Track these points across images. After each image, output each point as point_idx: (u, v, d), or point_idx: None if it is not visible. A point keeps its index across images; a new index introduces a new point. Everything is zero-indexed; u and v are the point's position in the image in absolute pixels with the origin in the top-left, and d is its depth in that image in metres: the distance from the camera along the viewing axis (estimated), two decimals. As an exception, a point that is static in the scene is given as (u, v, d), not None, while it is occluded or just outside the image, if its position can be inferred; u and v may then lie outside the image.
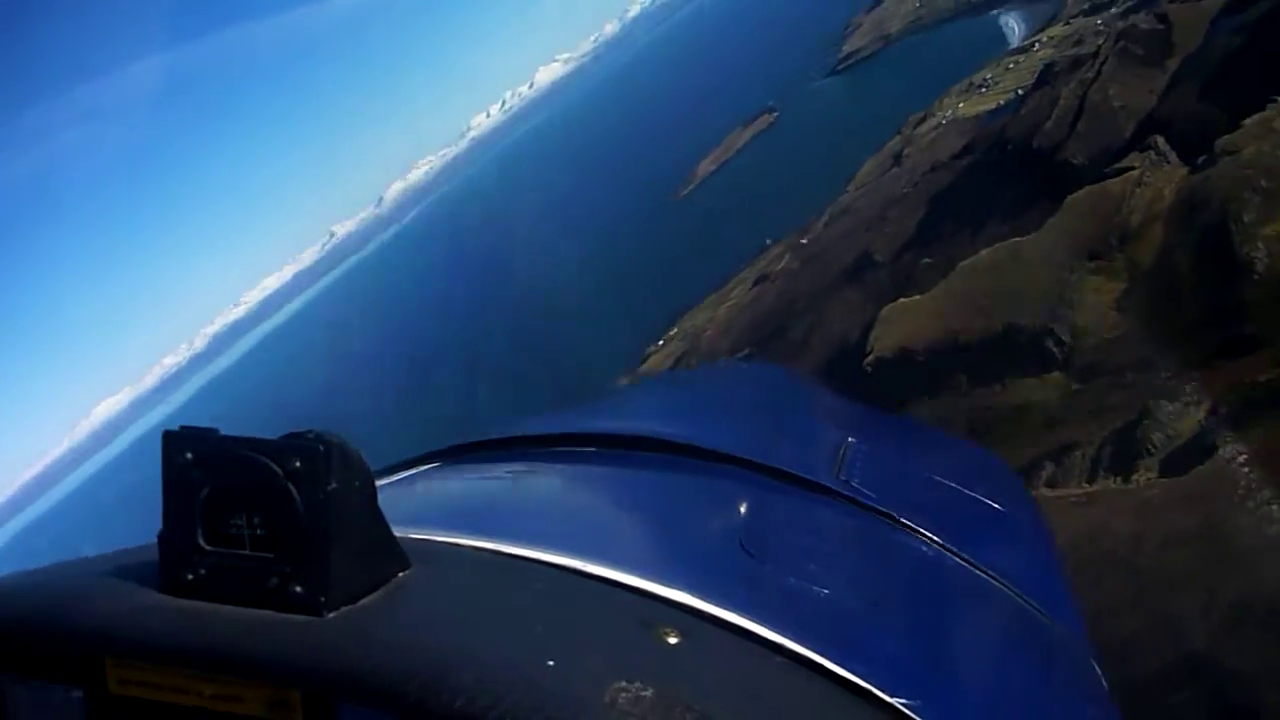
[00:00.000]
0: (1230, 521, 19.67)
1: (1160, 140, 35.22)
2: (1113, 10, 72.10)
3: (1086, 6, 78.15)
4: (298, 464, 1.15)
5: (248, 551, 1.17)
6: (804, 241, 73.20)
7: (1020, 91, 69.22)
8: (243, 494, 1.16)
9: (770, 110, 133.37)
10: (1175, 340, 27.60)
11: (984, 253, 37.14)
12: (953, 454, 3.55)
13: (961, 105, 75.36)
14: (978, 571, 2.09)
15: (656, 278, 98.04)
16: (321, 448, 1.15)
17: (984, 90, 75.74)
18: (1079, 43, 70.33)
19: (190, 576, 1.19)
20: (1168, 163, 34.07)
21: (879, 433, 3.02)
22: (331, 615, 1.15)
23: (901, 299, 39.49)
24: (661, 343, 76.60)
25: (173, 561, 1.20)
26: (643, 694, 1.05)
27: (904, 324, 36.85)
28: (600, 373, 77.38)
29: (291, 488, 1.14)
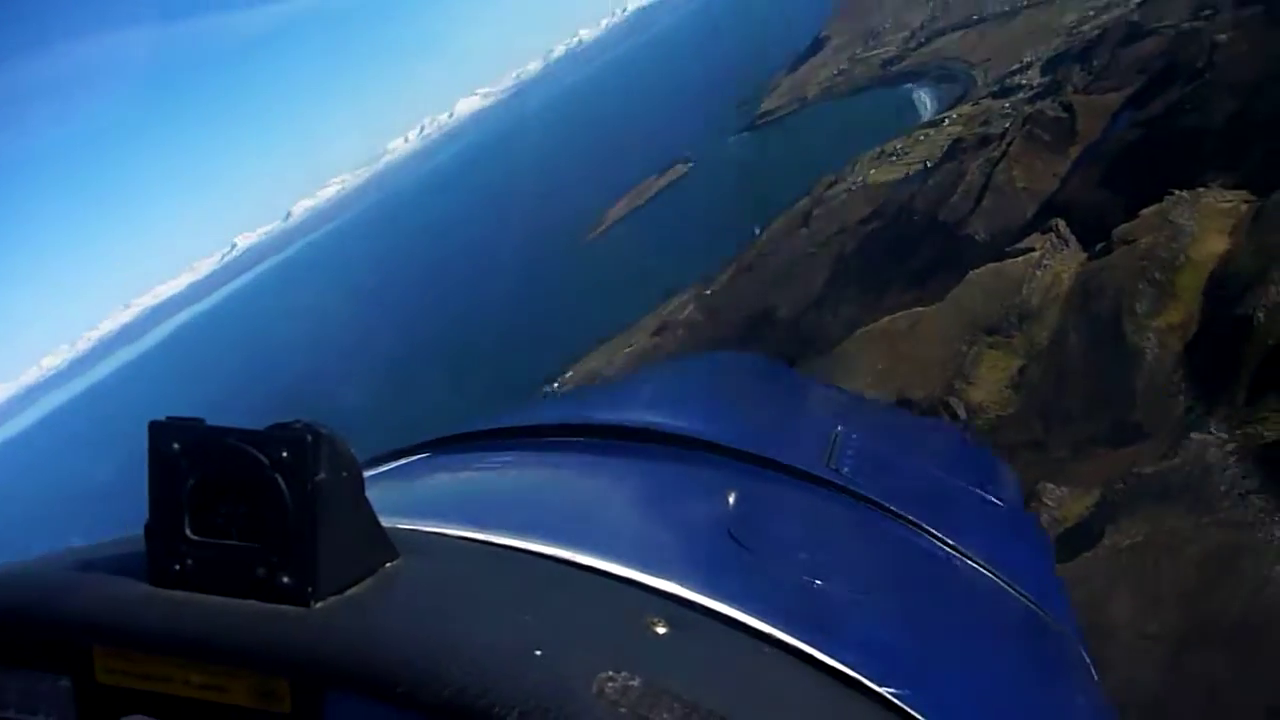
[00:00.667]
0: (1114, 609, 19.36)
1: (1061, 224, 35.81)
2: (1020, 95, 74.69)
3: (995, 89, 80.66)
4: (285, 454, 1.14)
5: (235, 542, 1.17)
6: (708, 293, 73.28)
7: (929, 164, 70.42)
8: (230, 484, 1.16)
9: (684, 161, 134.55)
10: (1066, 423, 27.64)
11: (884, 320, 37.08)
12: (943, 444, 3.51)
13: (872, 172, 76.48)
14: (968, 561, 2.04)
15: (559, 318, 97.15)
16: (309, 438, 1.14)
17: (894, 159, 77.06)
18: (987, 123, 72.31)
19: (177, 567, 1.19)
20: (1067, 246, 34.58)
21: (870, 423, 2.94)
22: (319, 605, 1.14)
23: (799, 361, 39.14)
24: (557, 385, 75.53)
25: (160, 552, 1.20)
26: (630, 683, 1.05)
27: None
28: (488, 410, 75.50)
29: (279, 478, 1.13)
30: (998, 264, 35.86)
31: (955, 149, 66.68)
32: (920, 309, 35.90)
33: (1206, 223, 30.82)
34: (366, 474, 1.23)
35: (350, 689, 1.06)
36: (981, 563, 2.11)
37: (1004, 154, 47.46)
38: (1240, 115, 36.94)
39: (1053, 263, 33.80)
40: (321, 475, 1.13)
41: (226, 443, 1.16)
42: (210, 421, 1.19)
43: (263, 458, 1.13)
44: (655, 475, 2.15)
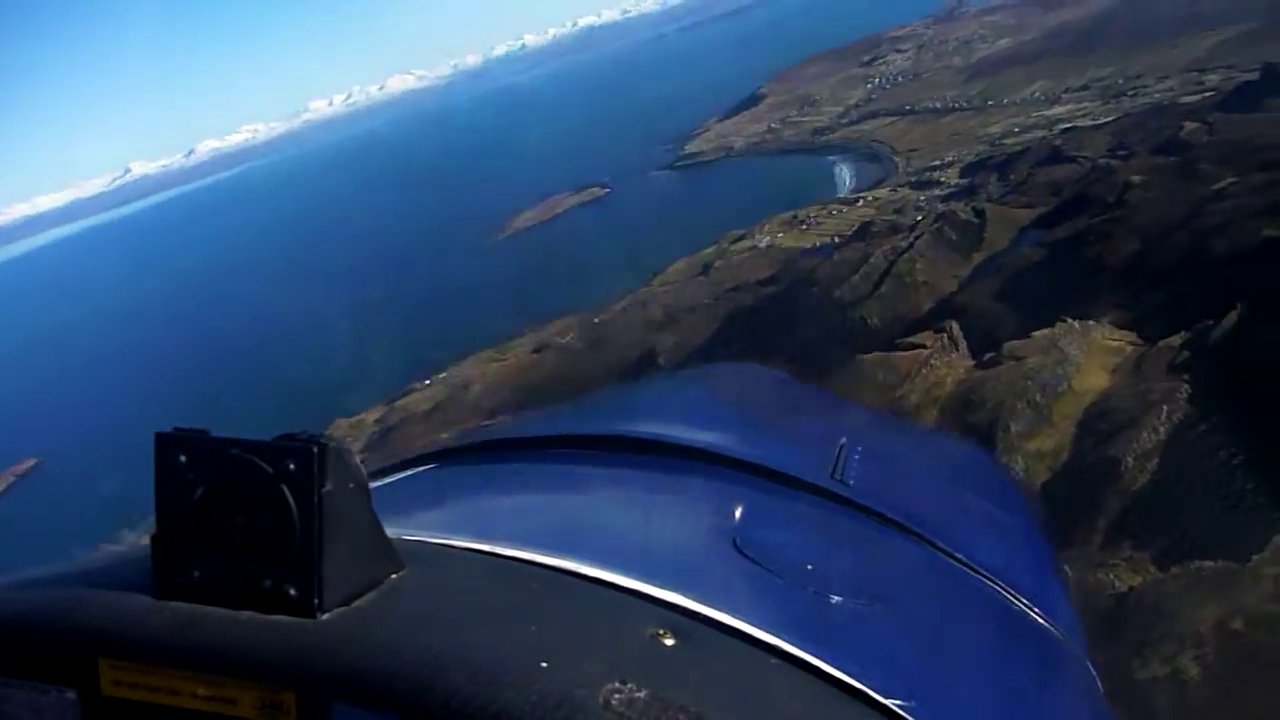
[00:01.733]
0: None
1: (954, 326, 35.38)
2: (936, 191, 75.75)
3: (914, 180, 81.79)
4: (292, 466, 1.14)
5: (242, 554, 1.17)
6: (596, 321, 71.95)
7: (837, 239, 71.66)
8: (236, 496, 1.16)
9: (602, 185, 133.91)
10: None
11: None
12: (948, 455, 3.42)
13: (780, 235, 76.51)
14: (973, 572, 2.07)
15: (442, 315, 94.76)
16: (315, 450, 1.14)
17: (805, 227, 77.26)
18: (900, 211, 73.01)
19: (184, 578, 1.19)
20: (956, 350, 34.20)
21: (875, 434, 2.93)
22: (325, 617, 1.15)
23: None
24: (428, 382, 72.98)
25: (166, 563, 1.20)
26: (636, 695, 1.05)
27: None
28: (353, 396, 73.66)
29: (285, 490, 1.14)
30: (885, 354, 35.20)
31: (865, 230, 66.89)
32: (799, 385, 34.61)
33: (1093, 356, 30.70)
34: (372, 485, 1.24)
35: (356, 701, 1.07)
36: (986, 574, 2.08)
37: (911, 245, 47.22)
38: (1141, 258, 37.29)
39: (939, 363, 33.27)
40: (328, 487, 1.13)
41: (233, 454, 1.16)
42: (216, 430, 1.20)
43: (270, 469, 1.14)
44: (660, 486, 2.13)
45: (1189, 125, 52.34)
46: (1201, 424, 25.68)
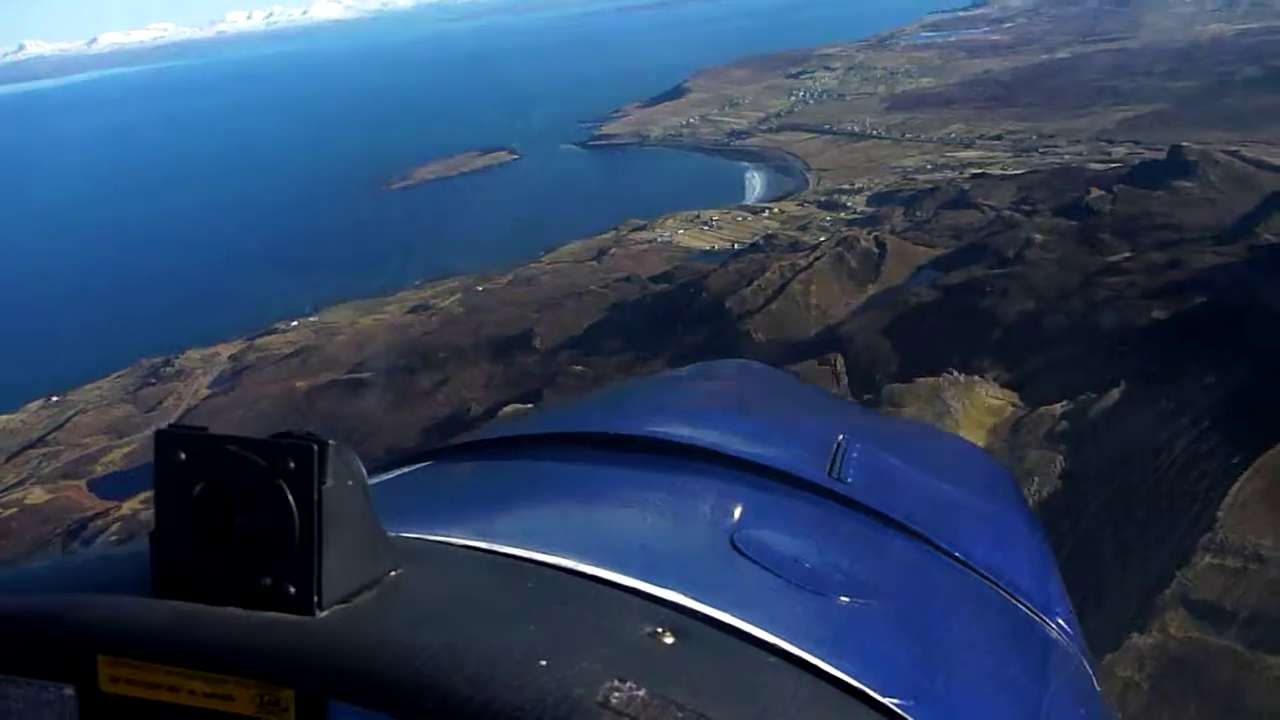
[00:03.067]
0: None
1: (839, 360, 34.34)
2: (842, 214, 75.53)
3: (823, 199, 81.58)
4: (290, 463, 1.15)
5: (240, 551, 1.17)
6: (480, 289, 69.46)
7: (737, 245, 70.04)
8: (235, 493, 1.17)
9: (511, 151, 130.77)
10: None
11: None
12: (946, 452, 3.35)
13: (681, 233, 75.34)
14: (971, 571, 2.08)
15: (327, 253, 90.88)
16: (314, 447, 1.14)
17: (706, 228, 76.22)
18: (804, 228, 72.37)
19: (182, 575, 1.19)
20: (837, 385, 33.14)
21: (872, 431, 2.93)
22: (324, 614, 1.16)
23: (529, 405, 35.64)
24: (295, 324, 69.42)
25: (164, 560, 1.20)
26: (636, 693, 1.07)
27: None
28: (214, 325, 69.59)
29: (284, 487, 1.14)
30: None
31: (767, 242, 66.41)
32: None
33: (974, 412, 30.05)
34: (371, 482, 1.24)
35: (354, 698, 1.08)
36: (985, 572, 2.08)
37: (810, 265, 46.14)
38: (1033, 319, 36.89)
39: (817, 395, 31.98)
40: (327, 484, 1.14)
41: (232, 451, 1.16)
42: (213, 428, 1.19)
43: (268, 466, 1.14)
44: (658, 484, 2.07)
45: (1094, 193, 52.65)
46: (1070, 502, 25.04)
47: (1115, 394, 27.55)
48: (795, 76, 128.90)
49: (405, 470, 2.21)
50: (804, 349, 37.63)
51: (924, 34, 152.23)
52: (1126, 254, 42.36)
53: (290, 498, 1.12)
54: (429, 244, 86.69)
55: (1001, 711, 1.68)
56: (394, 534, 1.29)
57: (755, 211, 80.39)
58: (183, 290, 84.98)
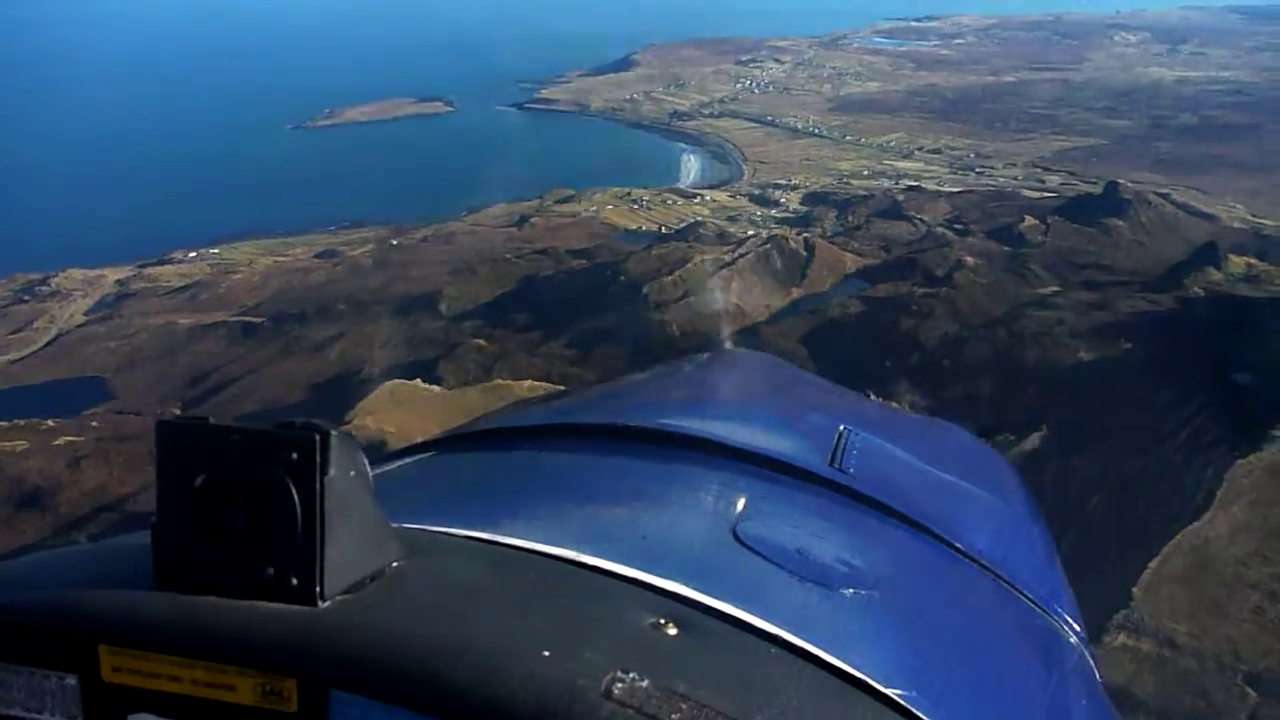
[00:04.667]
0: None
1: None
2: (774, 211, 74.04)
3: (756, 192, 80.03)
4: (293, 454, 1.15)
5: (243, 541, 1.18)
6: (394, 243, 66.32)
7: (663, 229, 67.94)
8: (238, 483, 1.18)
9: (447, 103, 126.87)
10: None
11: (526, 384, 31.84)
12: (949, 444, 3.27)
13: (609, 209, 73.20)
14: (973, 563, 2.09)
15: (232, 185, 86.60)
16: (317, 437, 1.15)
17: (635, 207, 74.17)
18: (734, 219, 70.87)
19: (184, 566, 1.20)
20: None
21: (874, 421, 2.85)
22: (326, 605, 1.16)
23: (418, 380, 33.16)
24: (193, 255, 65.44)
25: (167, 550, 1.20)
26: (639, 684, 1.08)
27: (399, 410, 30.31)
28: (101, 250, 65.06)
29: (287, 477, 1.15)
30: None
31: (694, 228, 64.63)
32: (572, 369, 31.21)
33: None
34: (374, 472, 1.25)
35: (357, 689, 1.09)
36: (987, 564, 2.09)
37: (734, 261, 44.35)
38: (956, 345, 35.70)
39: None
40: (330, 475, 1.15)
41: (234, 442, 1.17)
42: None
43: (271, 457, 1.15)
44: (661, 475, 2.12)
45: (1028, 221, 51.86)
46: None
47: (1035, 439, 26.32)
48: (744, 64, 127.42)
49: (408, 461, 2.20)
50: (713, 347, 35.79)
51: (876, 39, 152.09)
52: (1055, 287, 41.53)
53: (293, 489, 1.13)
54: (348, 188, 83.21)
55: (1004, 702, 1.67)
56: (396, 525, 1.30)
57: (687, 196, 78.48)
58: (75, 203, 79.98)
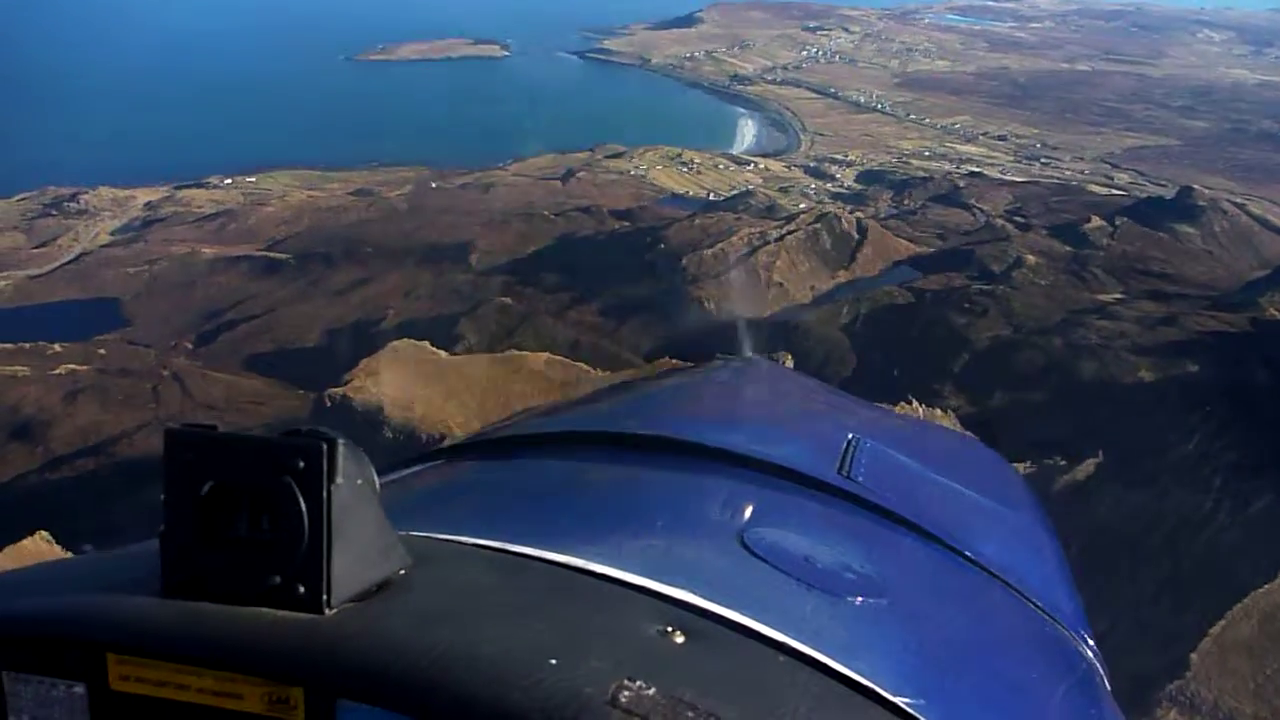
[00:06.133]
0: None
1: (788, 360, 30.59)
2: (829, 185, 71.55)
3: (812, 165, 77.50)
4: (300, 462, 1.15)
5: (250, 549, 1.18)
6: (433, 186, 64.73)
7: (712, 196, 65.87)
8: (245, 492, 1.18)
9: (504, 46, 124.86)
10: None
11: (543, 357, 30.05)
12: (956, 451, 3.33)
13: (659, 169, 71.13)
14: (981, 570, 2.08)
15: (276, 115, 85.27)
16: (324, 446, 1.15)
17: (685, 169, 72.04)
18: (786, 190, 68.53)
19: (191, 574, 1.21)
20: (779, 382, 29.37)
21: (883, 429, 2.88)
22: (333, 613, 1.16)
23: (427, 342, 31.38)
24: (229, 181, 64.05)
25: (174, 559, 1.21)
26: (645, 692, 1.08)
27: (401, 373, 28.58)
28: (130, 167, 63.74)
29: (294, 486, 1.15)
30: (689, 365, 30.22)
31: (744, 197, 62.39)
32: (600, 340, 29.47)
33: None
34: (380, 481, 1.25)
35: (364, 697, 1.09)
36: (995, 572, 2.08)
37: (782, 237, 42.17)
38: (1008, 350, 33.44)
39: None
40: (337, 483, 1.15)
41: (241, 450, 1.17)
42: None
43: (278, 465, 1.15)
44: (668, 483, 2.13)
45: (1094, 221, 49.07)
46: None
47: (1089, 466, 24.17)
48: (811, 31, 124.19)
49: (415, 469, 2.22)
50: (753, 330, 33.74)
51: (949, 15, 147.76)
52: (1118, 295, 39.04)
53: (300, 497, 1.13)
54: (393, 126, 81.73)
55: (1012, 711, 1.67)
56: (403, 533, 1.30)
57: (740, 163, 76.19)
58: (117, 121, 78.93)
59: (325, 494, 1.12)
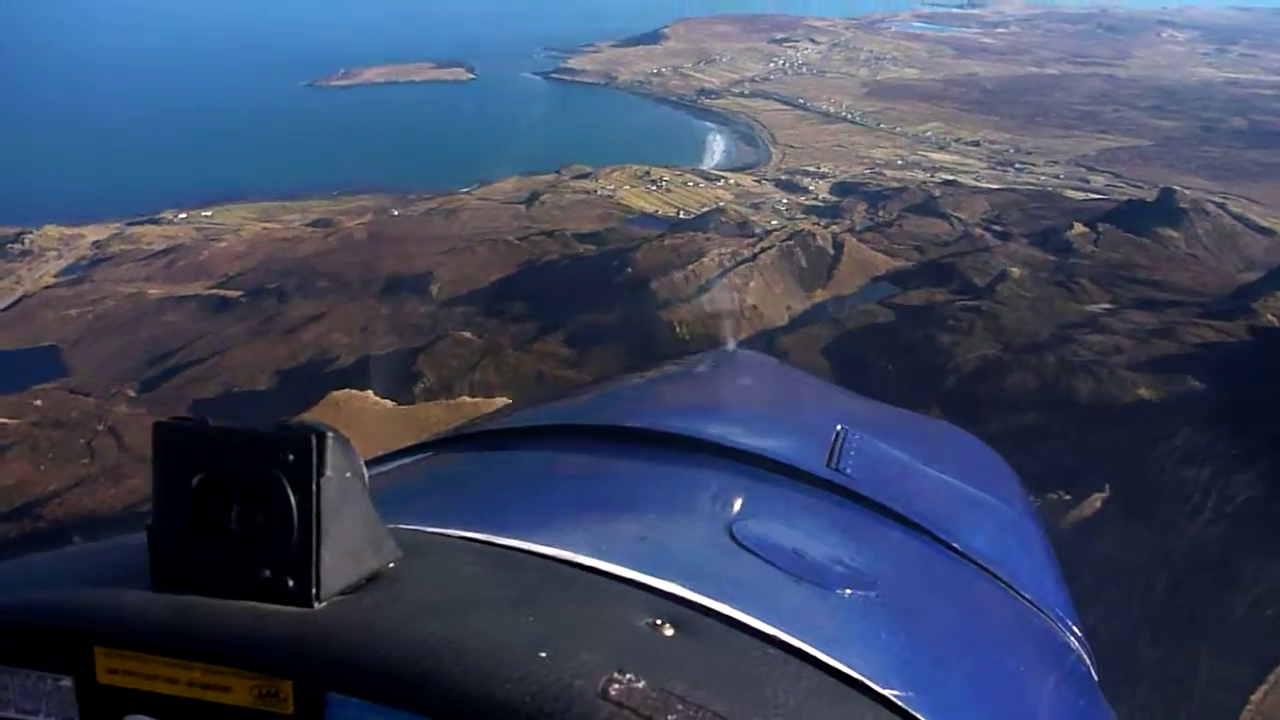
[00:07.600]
0: None
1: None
2: (801, 199, 69.93)
3: (783, 178, 76.09)
4: (289, 455, 1.15)
5: (239, 542, 1.18)
6: (395, 214, 62.82)
7: (682, 214, 63.92)
8: (234, 485, 1.18)
9: (469, 70, 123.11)
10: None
11: (498, 402, 28.13)
12: (946, 443, 3.28)
13: (626, 188, 69.51)
14: (970, 563, 2.12)
15: (234, 143, 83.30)
16: (314, 438, 1.15)
17: (653, 188, 70.35)
18: (758, 207, 66.82)
19: (180, 567, 1.20)
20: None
21: (872, 422, 2.89)
22: (322, 606, 1.17)
23: (370, 393, 29.40)
24: (183, 215, 61.71)
25: (163, 552, 1.21)
26: (635, 685, 1.08)
27: (356, 419, 26.56)
28: (79, 205, 61.58)
29: (283, 478, 1.15)
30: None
31: (714, 215, 60.59)
32: (565, 372, 27.66)
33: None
34: (370, 474, 1.25)
35: (353, 690, 1.09)
36: (984, 564, 2.11)
37: (754, 256, 40.43)
38: (996, 370, 31.75)
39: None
40: (325, 476, 1.15)
41: (231, 443, 1.17)
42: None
43: (267, 458, 1.15)
44: (658, 476, 2.16)
45: (1077, 228, 47.61)
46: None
47: (1097, 501, 22.36)
48: (778, 43, 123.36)
49: (404, 462, 2.21)
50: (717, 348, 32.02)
51: (916, 24, 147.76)
52: (1107, 305, 37.46)
53: (289, 490, 1.13)
54: (355, 152, 79.76)
55: (1000, 703, 1.68)
56: (393, 526, 1.30)
57: (709, 179, 74.55)
58: (67, 155, 76.62)
59: (314, 487, 1.12)
